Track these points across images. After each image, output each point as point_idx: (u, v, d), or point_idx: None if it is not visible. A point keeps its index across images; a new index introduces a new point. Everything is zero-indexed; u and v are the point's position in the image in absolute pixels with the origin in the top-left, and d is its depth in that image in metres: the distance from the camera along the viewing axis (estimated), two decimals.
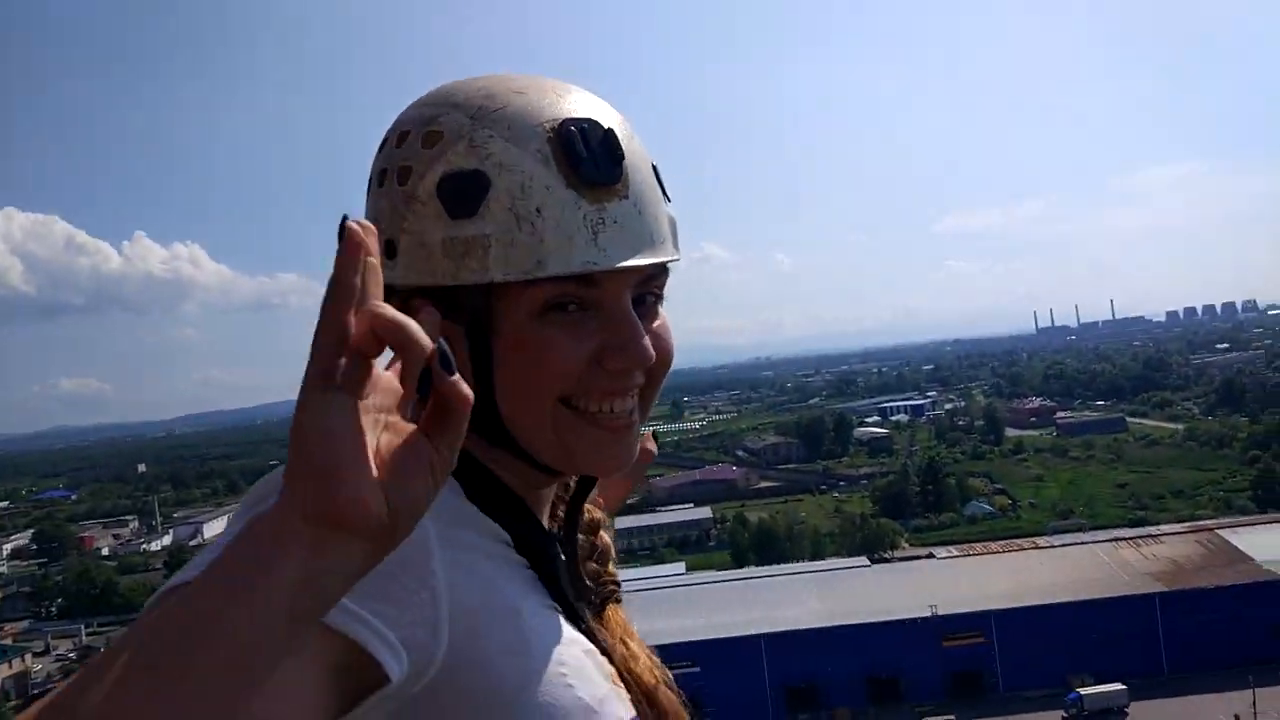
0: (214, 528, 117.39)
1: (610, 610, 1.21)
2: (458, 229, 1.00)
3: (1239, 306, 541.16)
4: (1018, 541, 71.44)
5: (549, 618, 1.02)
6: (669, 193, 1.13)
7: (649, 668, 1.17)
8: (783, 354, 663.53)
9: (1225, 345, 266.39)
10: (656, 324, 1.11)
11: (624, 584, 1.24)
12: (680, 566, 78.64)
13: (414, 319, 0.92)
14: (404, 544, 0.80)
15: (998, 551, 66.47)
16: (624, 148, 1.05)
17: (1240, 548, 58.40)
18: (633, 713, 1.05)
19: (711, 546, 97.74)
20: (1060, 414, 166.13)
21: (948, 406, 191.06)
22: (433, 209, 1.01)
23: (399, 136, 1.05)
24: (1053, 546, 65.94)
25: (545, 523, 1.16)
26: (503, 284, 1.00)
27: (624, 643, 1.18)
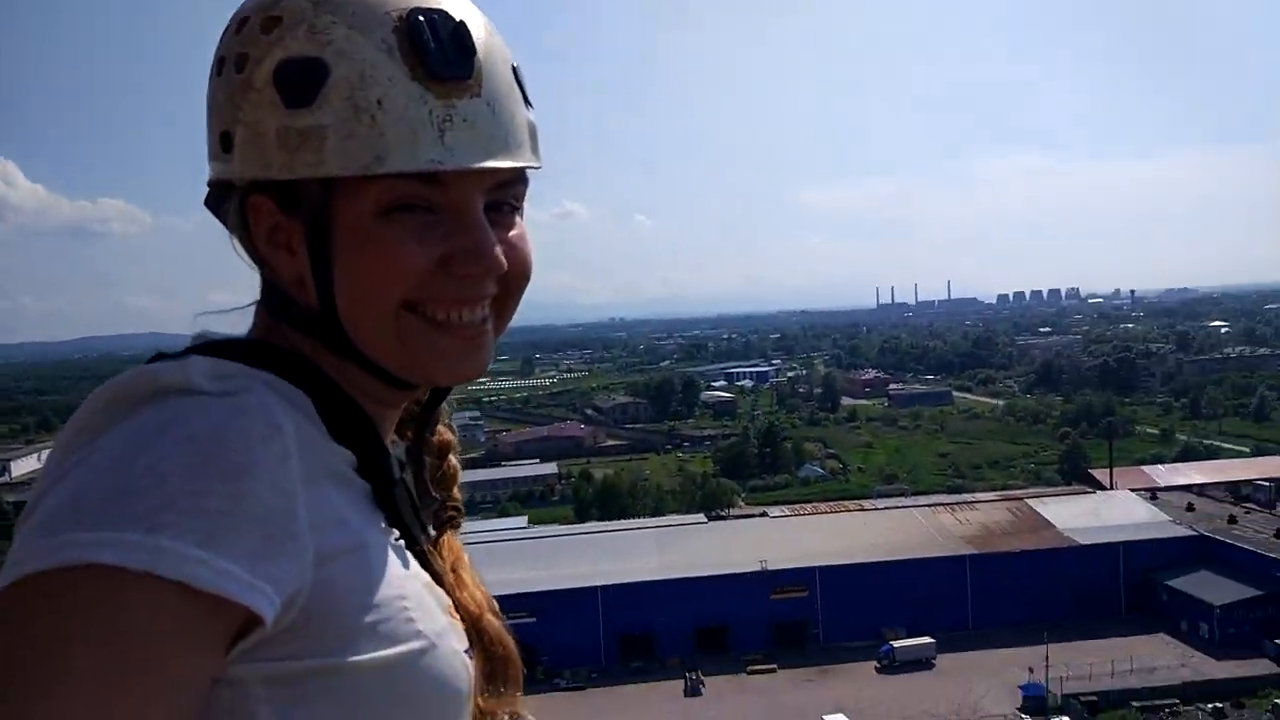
0: (23, 466, 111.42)
1: (446, 536, 1.19)
2: (293, 119, 0.94)
3: (1063, 293, 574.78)
4: (845, 503, 74.69)
5: (391, 549, 0.98)
6: (530, 98, 1.05)
7: (475, 596, 1.16)
8: (637, 316, 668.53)
9: (1048, 329, 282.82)
10: (513, 233, 1.05)
11: (467, 536, 1.23)
12: (523, 520, 79.10)
13: (251, 214, 0.99)
14: (273, 486, 0.82)
15: (826, 512, 69.52)
16: (478, 42, 0.98)
17: (1045, 516, 62.87)
18: (467, 644, 1.04)
19: (555, 501, 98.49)
20: (893, 386, 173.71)
21: (790, 374, 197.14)
22: (268, 97, 0.95)
23: (239, 23, 0.99)
24: (876, 509, 69.36)
25: (391, 442, 1.12)
26: (342, 179, 0.95)
27: (454, 570, 1.16)
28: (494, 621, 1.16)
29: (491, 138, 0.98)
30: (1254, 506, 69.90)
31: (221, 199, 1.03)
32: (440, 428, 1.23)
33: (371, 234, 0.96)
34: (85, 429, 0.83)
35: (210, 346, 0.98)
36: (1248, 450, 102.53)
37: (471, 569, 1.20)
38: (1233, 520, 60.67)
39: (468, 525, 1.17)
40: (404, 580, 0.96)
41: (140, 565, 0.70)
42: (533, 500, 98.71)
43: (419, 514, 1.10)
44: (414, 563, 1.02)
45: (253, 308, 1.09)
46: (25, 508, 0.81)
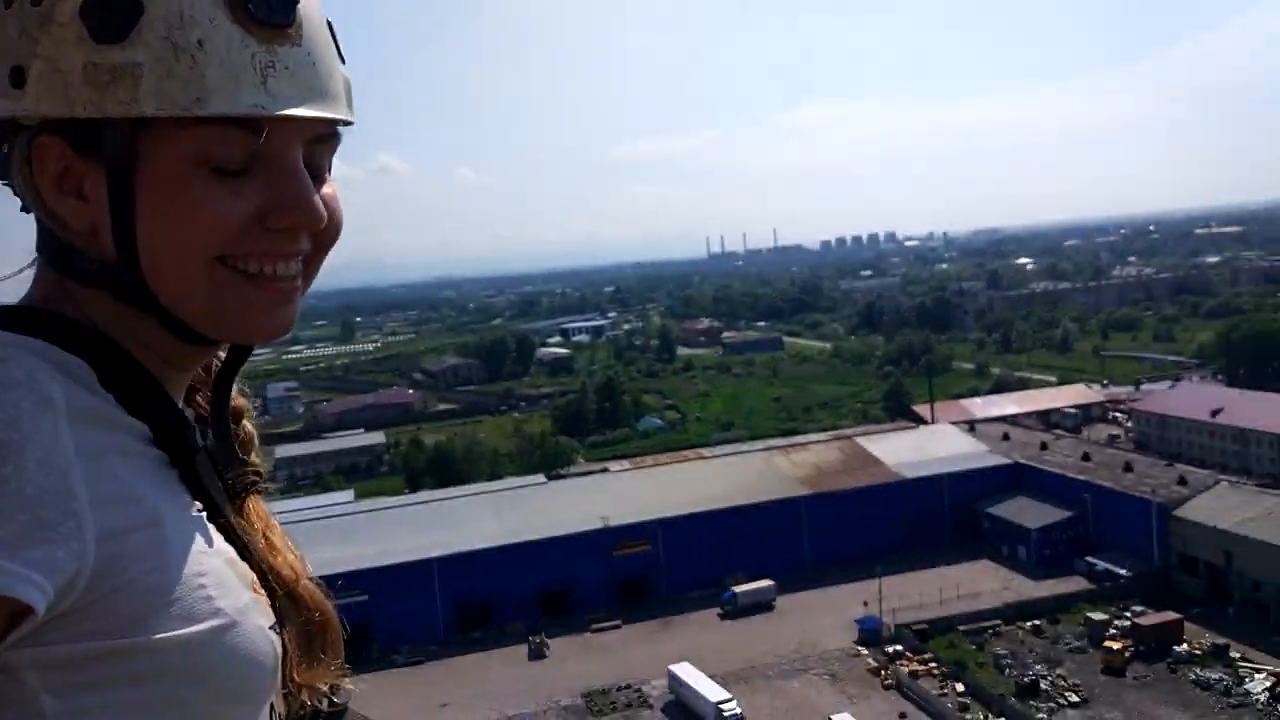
0: None
1: (251, 502, 1.14)
2: (103, 54, 0.89)
3: (881, 238, 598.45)
4: (685, 453, 75.19)
5: (190, 523, 0.95)
6: (344, 54, 1.05)
7: (289, 562, 1.12)
8: (465, 274, 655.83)
9: (869, 273, 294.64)
10: (326, 190, 1.02)
11: (287, 515, 1.13)
12: (349, 494, 76.41)
13: (38, 156, 0.92)
14: (43, 463, 0.77)
15: (666, 464, 69.79)
16: None
17: (874, 453, 64.93)
18: (273, 620, 1.01)
19: (384, 472, 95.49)
20: (726, 334, 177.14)
21: (626, 327, 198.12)
22: (74, 31, 0.89)
23: None
24: (715, 457, 70.18)
25: (183, 407, 1.07)
26: (154, 122, 0.90)
27: (265, 536, 1.12)
28: (310, 587, 1.13)
29: (311, 88, 0.96)
30: (1063, 432, 74.44)
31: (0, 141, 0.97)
32: (234, 393, 1.18)
33: (185, 182, 0.92)
34: None
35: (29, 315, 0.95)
36: (1054, 380, 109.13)
37: (283, 534, 1.16)
38: (1044, 447, 64.09)
39: (288, 504, 1.18)
40: (203, 556, 0.93)
41: None
42: (358, 473, 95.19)
43: (226, 483, 1.07)
44: (217, 537, 0.99)
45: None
46: None
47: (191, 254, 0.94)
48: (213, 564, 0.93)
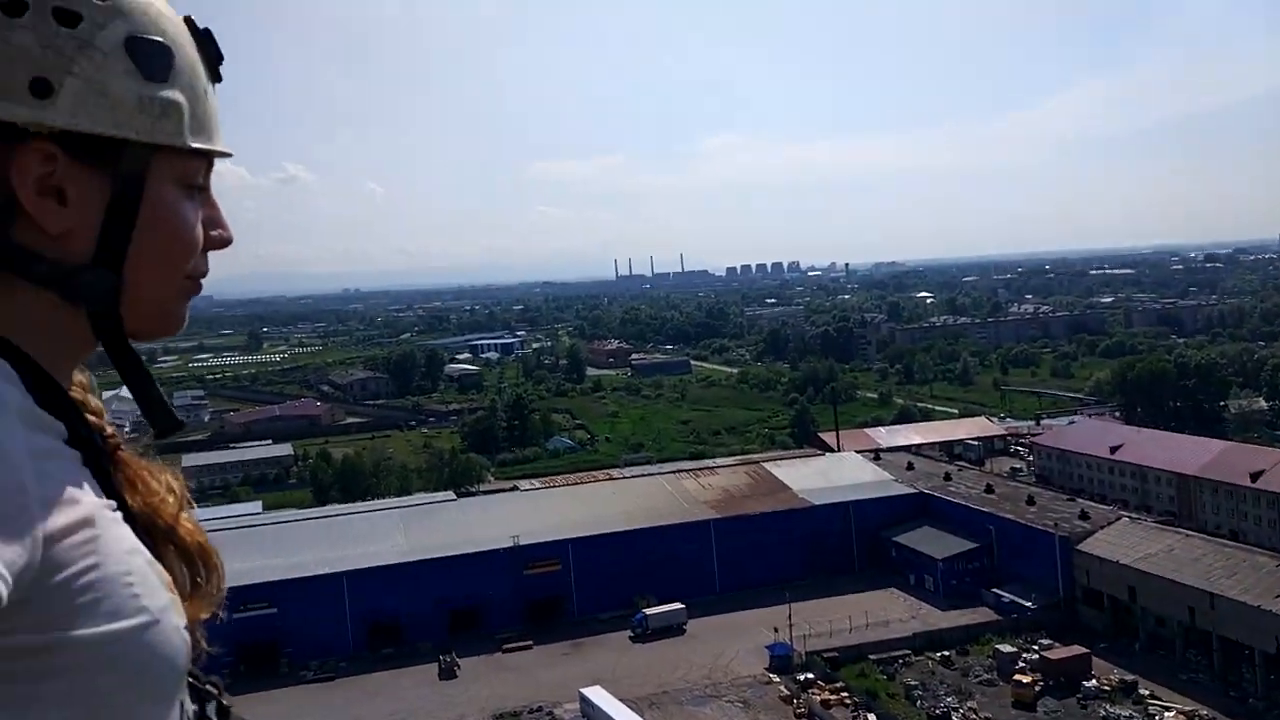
0: None
1: (122, 459, 1.18)
2: (152, 90, 1.06)
3: (785, 267, 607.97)
4: (594, 473, 74.86)
5: (114, 524, 0.99)
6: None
7: (168, 502, 1.19)
8: (372, 287, 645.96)
9: (773, 300, 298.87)
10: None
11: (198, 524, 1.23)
12: (257, 505, 74.16)
13: (24, 159, 1.00)
14: (4, 462, 0.83)
15: (576, 483, 69.31)
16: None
17: (780, 478, 65.45)
18: (185, 619, 1.05)
19: (292, 484, 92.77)
20: (635, 356, 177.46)
21: (535, 345, 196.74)
22: (121, 64, 1.04)
23: None
24: (625, 478, 69.96)
25: None
26: (165, 150, 1.08)
27: (142, 480, 1.17)
28: (189, 526, 1.19)
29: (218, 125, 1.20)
30: (965, 464, 76.09)
31: None
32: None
33: (179, 202, 1.11)
34: None
35: None
36: (956, 412, 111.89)
37: (153, 469, 1.21)
38: (948, 478, 65.40)
39: (197, 514, 1.23)
40: (128, 556, 0.97)
41: None
42: (266, 484, 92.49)
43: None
44: (134, 538, 1.02)
45: None
46: None
47: (178, 268, 1.12)
48: (136, 563, 0.98)
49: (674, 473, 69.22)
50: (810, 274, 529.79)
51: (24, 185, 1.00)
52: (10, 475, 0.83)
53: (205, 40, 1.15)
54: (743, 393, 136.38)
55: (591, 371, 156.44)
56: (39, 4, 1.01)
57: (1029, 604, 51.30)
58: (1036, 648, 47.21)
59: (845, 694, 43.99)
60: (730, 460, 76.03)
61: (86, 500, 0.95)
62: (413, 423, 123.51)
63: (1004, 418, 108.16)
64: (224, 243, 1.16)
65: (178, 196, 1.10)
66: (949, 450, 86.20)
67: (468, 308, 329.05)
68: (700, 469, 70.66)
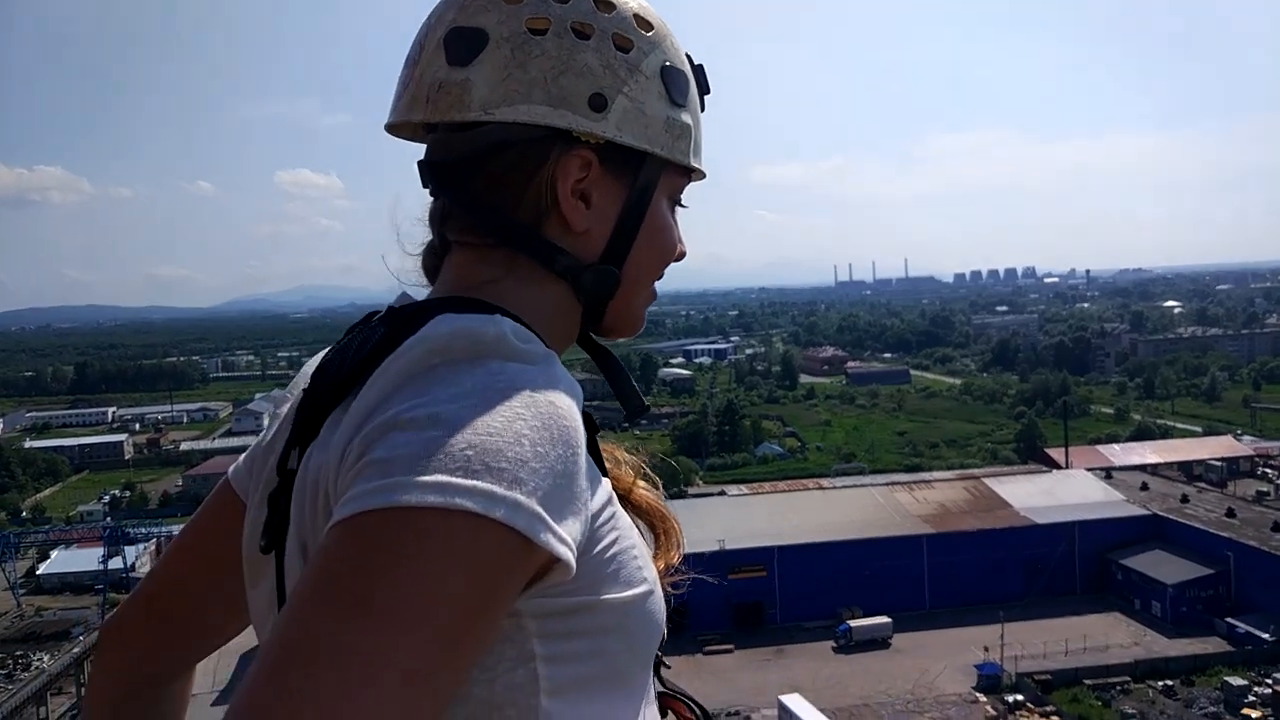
0: None
1: None
2: (676, 113, 1.19)
3: (1019, 272, 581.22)
4: (803, 482, 74.68)
5: (616, 501, 1.05)
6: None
7: (622, 470, 1.25)
8: None
9: (1004, 308, 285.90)
10: None
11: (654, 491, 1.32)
12: None
13: (567, 163, 1.13)
14: (582, 451, 0.90)
15: (784, 491, 69.39)
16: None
17: (1002, 495, 63.18)
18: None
19: None
20: (851, 364, 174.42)
21: (749, 351, 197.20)
22: (656, 88, 1.17)
23: (606, 5, 1.16)
24: (834, 488, 69.45)
25: None
26: (670, 167, 1.20)
27: (607, 452, 1.21)
28: (643, 489, 1.26)
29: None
30: (1206, 486, 70.91)
31: (508, 143, 1.12)
32: None
33: (668, 218, 1.23)
34: (408, 378, 0.92)
35: (474, 303, 1.06)
36: (1200, 430, 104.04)
37: (612, 444, 1.27)
38: (1185, 500, 61.28)
39: None
40: (631, 530, 1.05)
41: (499, 518, 0.80)
42: None
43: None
44: (626, 513, 1.09)
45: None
46: (342, 431, 0.92)
47: (657, 269, 1.24)
48: (637, 537, 1.06)
49: (887, 485, 68.17)
50: (1047, 280, 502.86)
51: (564, 186, 1.12)
52: (580, 459, 0.90)
53: (699, 73, 1.26)
54: (965, 405, 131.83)
55: (805, 379, 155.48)
56: (602, 30, 1.13)
57: (1266, 635, 47.48)
58: (1270, 681, 43.78)
59: (1055, 718, 42.34)
60: (948, 474, 74.02)
61: (605, 479, 1.04)
62: (625, 425, 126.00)
63: (1252, 437, 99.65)
64: (682, 256, 1.27)
65: (668, 210, 1.23)
66: (1188, 471, 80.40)
67: (683, 312, 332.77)
68: (915, 482, 69.24)
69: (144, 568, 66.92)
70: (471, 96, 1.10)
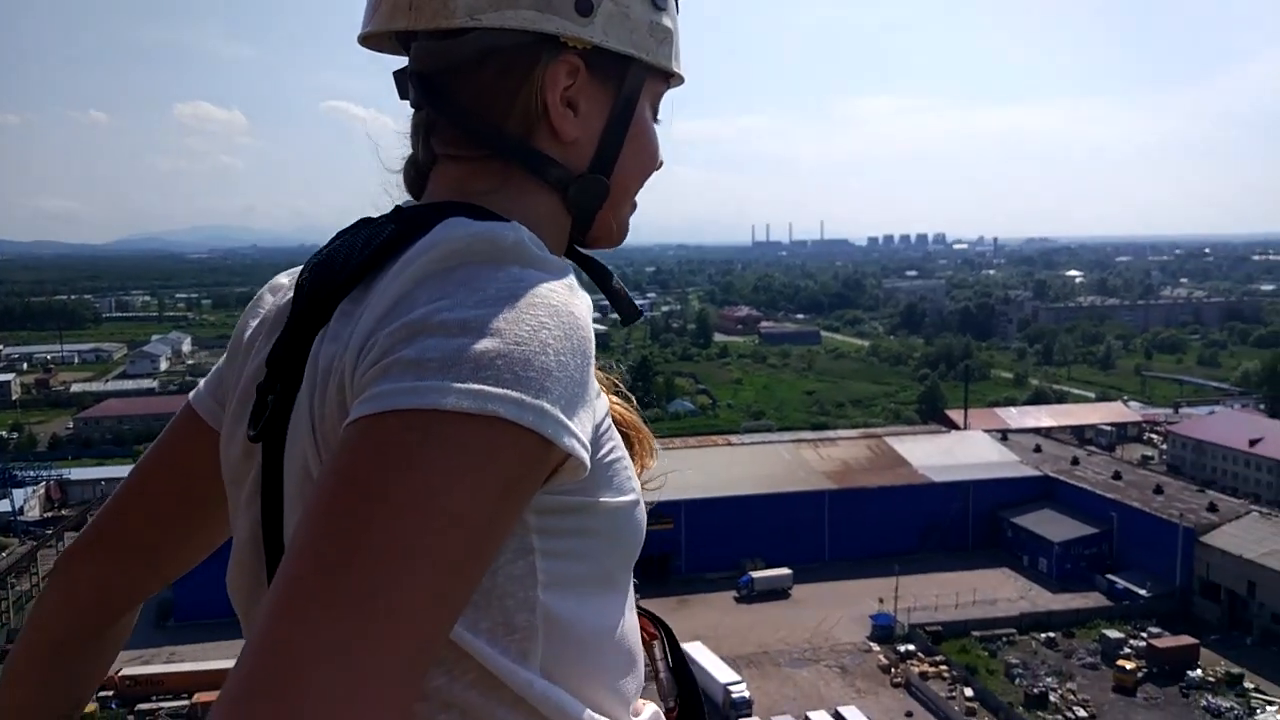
0: None
1: None
2: (659, 17, 1.17)
3: (930, 239, 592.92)
4: (713, 438, 75.47)
5: (608, 413, 1.06)
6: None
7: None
8: None
9: (914, 273, 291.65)
10: None
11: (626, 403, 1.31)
12: None
13: (555, 71, 1.11)
14: (584, 348, 0.91)
15: (694, 446, 70.13)
16: None
17: (902, 454, 64.85)
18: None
19: None
20: (765, 324, 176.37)
21: (665, 309, 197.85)
22: None
23: None
24: (743, 444, 70.43)
25: None
26: (652, 73, 1.19)
27: None
28: (615, 402, 1.23)
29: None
30: (1095, 449, 73.82)
31: (495, 50, 1.09)
32: None
33: (651, 125, 1.21)
34: (429, 276, 0.92)
35: (480, 210, 1.06)
36: (1093, 396, 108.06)
37: None
38: (1075, 462, 63.70)
39: None
40: (622, 444, 1.06)
41: (528, 424, 0.83)
42: None
43: None
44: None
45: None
46: (361, 323, 0.93)
47: (643, 177, 1.23)
48: (625, 451, 1.07)
49: (793, 442, 69.27)
50: (956, 247, 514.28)
51: (554, 94, 1.10)
52: (592, 368, 0.93)
53: None
54: (872, 366, 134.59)
55: (719, 337, 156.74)
56: None
57: (1143, 592, 50.05)
58: (1145, 635, 46.23)
59: (944, 667, 44.01)
60: (852, 433, 75.42)
61: (602, 392, 1.04)
62: (620, 327, 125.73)
63: (1141, 404, 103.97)
64: (660, 165, 1.25)
65: (650, 117, 1.21)
66: (1080, 435, 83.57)
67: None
68: (820, 439, 70.45)
69: (32, 512, 64.85)
70: (457, 2, 1.07)
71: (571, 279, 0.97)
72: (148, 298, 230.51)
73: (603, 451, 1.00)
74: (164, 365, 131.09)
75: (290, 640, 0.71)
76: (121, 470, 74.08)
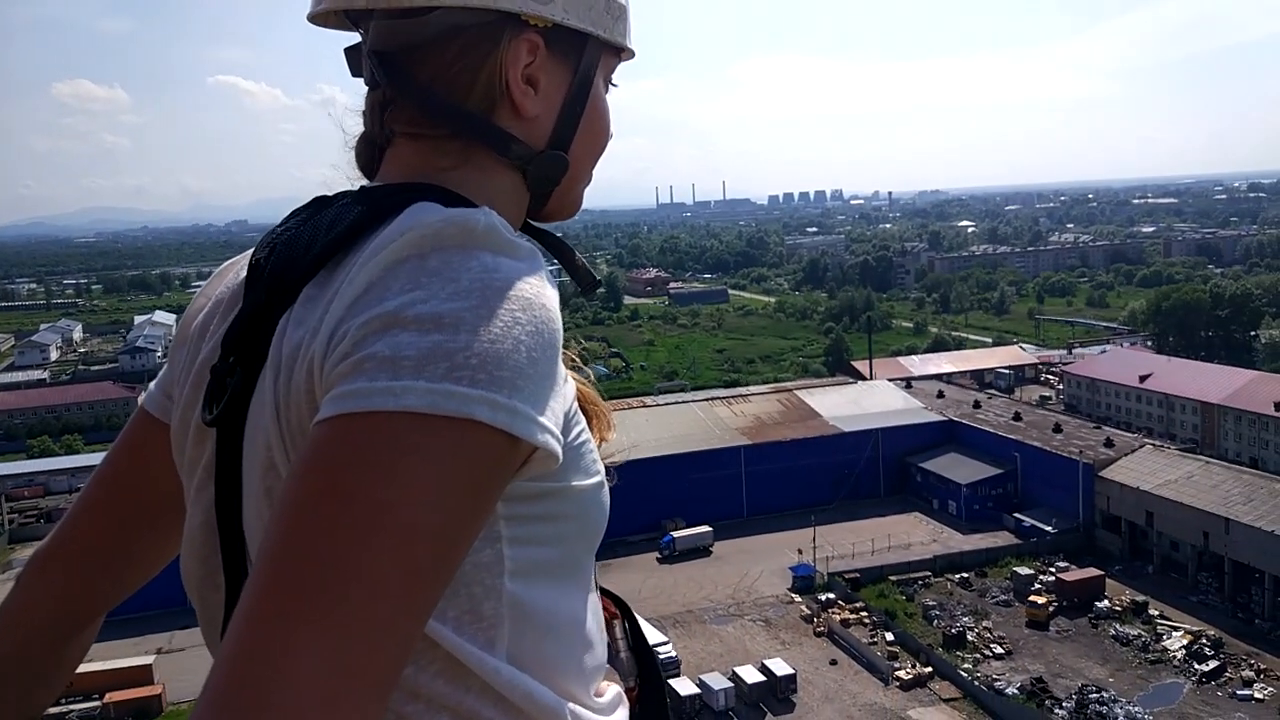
0: None
1: None
2: None
3: (828, 195, 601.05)
4: (627, 400, 75.67)
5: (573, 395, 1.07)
6: None
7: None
8: None
9: (815, 229, 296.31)
10: None
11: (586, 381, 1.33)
12: None
13: (517, 49, 1.12)
14: (554, 340, 0.91)
15: (609, 410, 70.11)
16: None
17: (812, 406, 66.12)
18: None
19: None
20: (673, 285, 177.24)
21: None
22: None
23: None
24: (657, 405, 70.87)
25: None
26: (607, 49, 1.20)
27: None
28: (580, 385, 1.22)
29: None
30: (995, 392, 76.29)
31: (459, 28, 1.09)
32: None
33: (605, 101, 1.23)
34: (399, 263, 0.91)
35: (443, 191, 1.05)
36: (990, 341, 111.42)
37: None
38: (977, 405, 65.80)
39: None
40: (585, 425, 1.07)
41: (502, 425, 0.83)
42: None
43: None
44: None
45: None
46: (336, 313, 0.90)
47: (598, 152, 1.25)
48: (589, 433, 1.08)
49: (707, 400, 69.91)
50: (853, 203, 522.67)
51: (515, 72, 1.10)
52: (559, 357, 0.92)
53: None
54: (779, 322, 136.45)
55: (629, 300, 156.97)
56: None
57: (1049, 528, 52.11)
58: (1053, 570, 48.19)
59: (864, 613, 45.25)
60: (763, 388, 76.49)
61: (568, 375, 1.04)
62: (580, 299, 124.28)
63: (1035, 346, 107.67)
64: (609, 140, 1.26)
65: (604, 93, 1.23)
66: (980, 379, 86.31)
67: None
68: (733, 397, 71.27)
69: None
70: None
71: (541, 265, 0.97)
72: (34, 285, 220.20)
73: (571, 435, 1.00)
74: (54, 355, 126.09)
75: (264, 653, 0.70)
76: (16, 467, 71.13)
